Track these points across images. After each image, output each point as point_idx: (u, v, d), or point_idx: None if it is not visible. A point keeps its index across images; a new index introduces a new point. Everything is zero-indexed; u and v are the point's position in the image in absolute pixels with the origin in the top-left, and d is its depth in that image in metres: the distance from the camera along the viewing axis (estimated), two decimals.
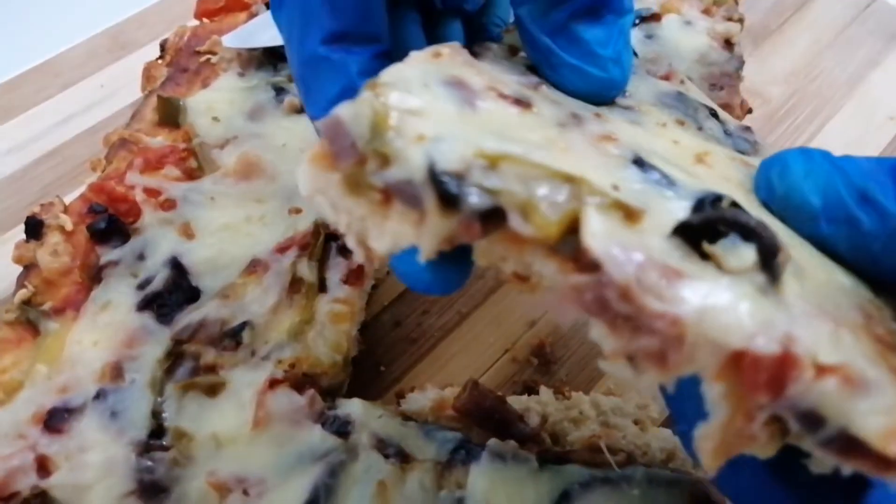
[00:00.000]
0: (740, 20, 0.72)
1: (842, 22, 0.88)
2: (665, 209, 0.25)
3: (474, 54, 0.34)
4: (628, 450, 0.49)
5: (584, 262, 0.23)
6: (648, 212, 0.24)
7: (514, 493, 0.45)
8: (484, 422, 0.51)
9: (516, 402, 0.53)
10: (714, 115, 0.38)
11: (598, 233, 0.23)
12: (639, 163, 0.28)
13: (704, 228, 0.24)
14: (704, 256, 0.23)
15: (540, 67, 0.36)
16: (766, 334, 0.22)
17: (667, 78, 0.41)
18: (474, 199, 0.23)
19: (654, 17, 0.71)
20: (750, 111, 0.70)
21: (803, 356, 0.21)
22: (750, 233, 0.24)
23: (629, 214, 0.24)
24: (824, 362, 0.22)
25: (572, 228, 0.23)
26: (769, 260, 0.23)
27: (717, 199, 0.25)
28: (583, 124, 0.31)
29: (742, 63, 0.68)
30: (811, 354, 0.22)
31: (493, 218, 0.24)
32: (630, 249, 0.23)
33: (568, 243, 0.23)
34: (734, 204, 0.25)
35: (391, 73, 0.27)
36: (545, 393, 0.56)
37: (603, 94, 0.35)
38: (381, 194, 0.25)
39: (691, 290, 0.22)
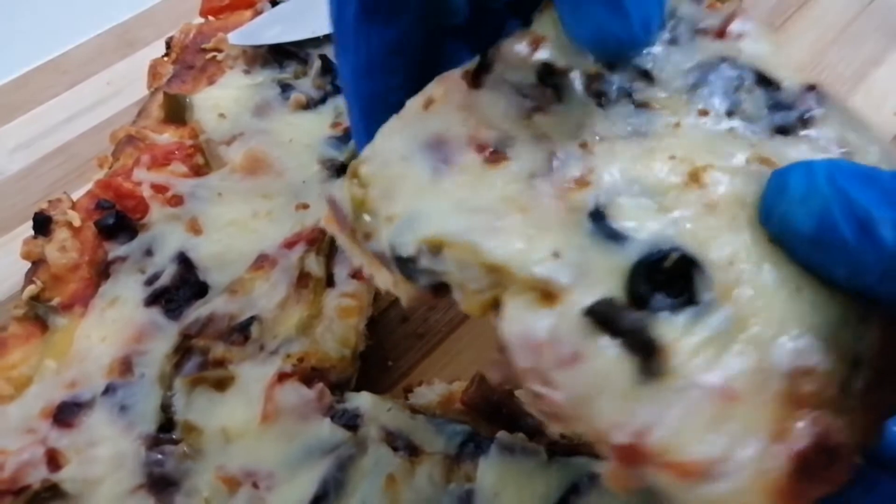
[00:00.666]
0: None
1: (846, 18, 0.88)
2: (594, 281, 0.27)
3: (484, 67, 0.34)
4: None
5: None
6: (570, 290, 0.27)
7: (523, 486, 0.45)
8: (492, 415, 0.51)
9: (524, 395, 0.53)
10: (765, 81, 0.34)
11: (512, 318, 0.27)
12: (597, 216, 0.29)
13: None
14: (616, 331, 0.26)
15: (563, 15, 0.32)
16: (624, 426, 0.25)
17: (721, 34, 0.36)
18: (423, 279, 0.29)
19: None
20: None
21: (650, 449, 0.24)
22: (626, 335, 0.25)
23: (548, 295, 0.27)
24: (668, 459, 0.24)
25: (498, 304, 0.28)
26: (646, 357, 0.25)
27: (663, 257, 0.27)
28: (558, 170, 0.30)
29: None
30: (662, 446, 0.24)
31: (444, 286, 0.29)
32: (536, 334, 0.26)
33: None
34: (683, 258, 0.27)
35: (373, 149, 0.32)
36: None
37: (621, 54, 0.32)
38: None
39: (574, 377, 0.25)
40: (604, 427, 0.25)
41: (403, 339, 0.61)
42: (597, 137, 0.32)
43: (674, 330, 0.26)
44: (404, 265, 0.29)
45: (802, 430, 0.24)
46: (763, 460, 0.24)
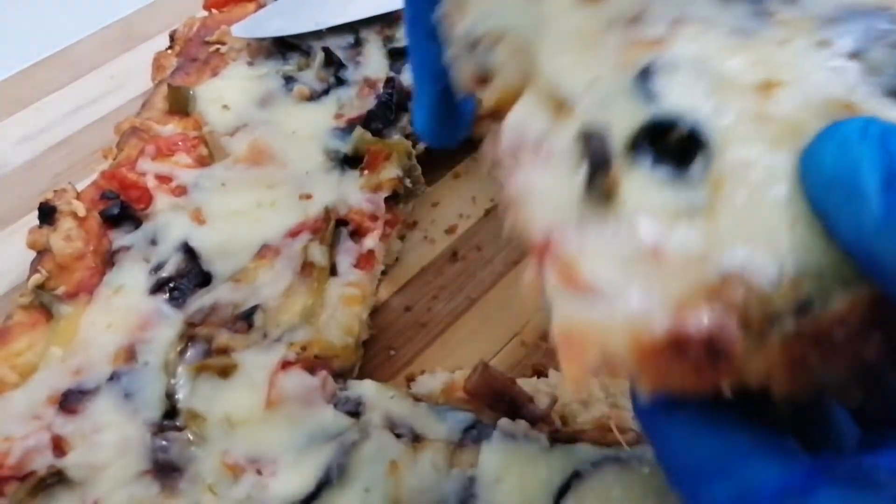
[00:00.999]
0: None
1: None
2: (606, 119, 0.28)
3: None
4: (638, 430, 0.49)
5: None
6: (580, 114, 0.29)
7: (525, 472, 0.46)
8: (494, 403, 0.51)
9: (526, 384, 0.53)
10: None
11: (520, 108, 0.30)
12: (645, 73, 0.29)
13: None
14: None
15: None
16: (545, 227, 0.27)
17: None
18: (479, 62, 0.34)
19: None
20: None
21: (557, 254, 0.26)
22: (590, 153, 0.27)
23: (560, 109, 0.29)
24: (566, 266, 0.26)
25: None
26: (595, 175, 0.27)
27: (676, 125, 0.27)
28: (635, 27, 0.31)
29: None
30: (569, 256, 0.26)
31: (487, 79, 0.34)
32: (529, 129, 0.29)
33: None
34: (695, 136, 0.27)
35: None
36: (554, 376, 0.56)
37: None
38: None
39: (534, 174, 0.28)
40: (530, 224, 0.28)
41: (406, 328, 0.61)
42: (696, 20, 0.31)
43: (641, 179, 0.27)
44: (467, 48, 0.34)
45: (704, 315, 0.24)
46: (649, 315, 0.24)
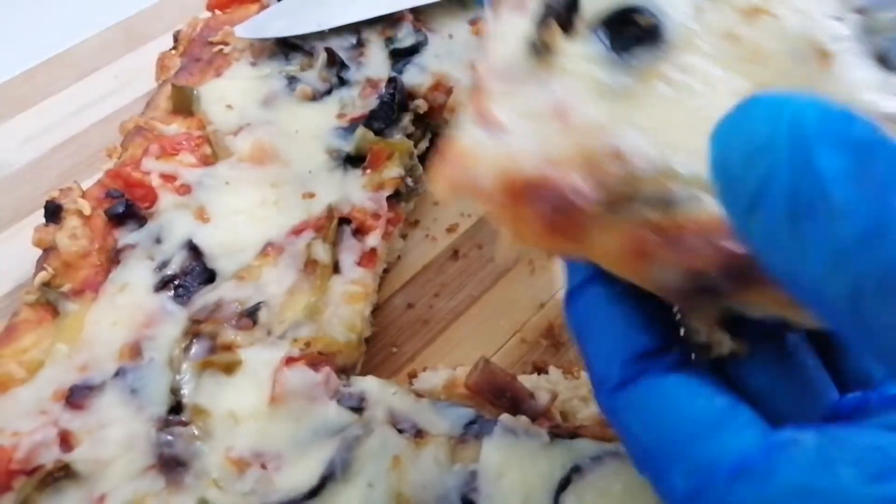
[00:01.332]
0: None
1: None
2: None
3: None
4: None
5: None
6: None
7: (526, 466, 0.46)
8: (495, 399, 0.52)
9: (526, 381, 0.54)
10: None
11: None
12: None
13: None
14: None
15: None
16: (486, 69, 0.30)
17: None
18: None
19: None
20: None
21: (484, 86, 0.29)
22: (543, 17, 0.30)
23: None
24: (484, 100, 0.29)
25: None
26: (541, 26, 0.30)
27: (640, 11, 0.29)
28: None
29: None
30: (491, 92, 0.29)
31: None
32: None
33: None
34: (657, 29, 0.29)
35: None
36: (554, 373, 0.57)
37: None
38: None
39: (503, 24, 0.31)
40: (478, 65, 0.30)
41: (408, 325, 0.62)
42: None
43: (582, 51, 0.29)
44: None
45: (571, 173, 0.27)
46: (525, 157, 0.27)
